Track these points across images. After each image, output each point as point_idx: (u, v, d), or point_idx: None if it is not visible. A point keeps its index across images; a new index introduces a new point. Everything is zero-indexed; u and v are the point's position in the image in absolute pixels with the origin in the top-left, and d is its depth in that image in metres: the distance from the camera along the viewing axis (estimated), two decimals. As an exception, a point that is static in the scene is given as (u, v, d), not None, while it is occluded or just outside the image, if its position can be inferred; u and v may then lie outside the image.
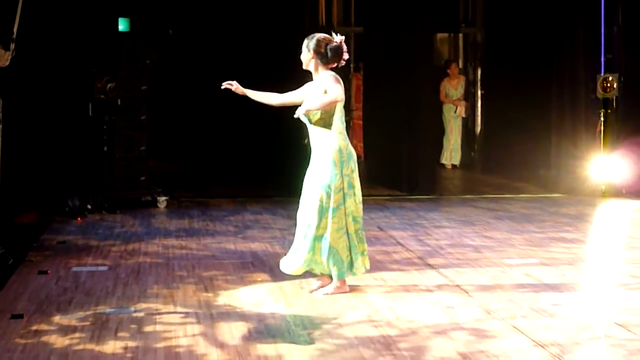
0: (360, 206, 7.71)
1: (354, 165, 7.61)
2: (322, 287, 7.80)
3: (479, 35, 17.93)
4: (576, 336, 6.46)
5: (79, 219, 11.52)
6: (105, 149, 12.37)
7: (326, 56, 7.59)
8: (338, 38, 7.65)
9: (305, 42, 7.68)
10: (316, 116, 7.53)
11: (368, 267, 7.84)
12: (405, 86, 13.80)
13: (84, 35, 12.40)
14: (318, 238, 7.60)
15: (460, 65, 18.19)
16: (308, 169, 7.74)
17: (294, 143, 14.12)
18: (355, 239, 7.65)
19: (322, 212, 7.55)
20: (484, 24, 17.50)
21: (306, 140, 7.73)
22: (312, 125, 7.63)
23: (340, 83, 7.50)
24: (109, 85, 12.24)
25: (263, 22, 14.32)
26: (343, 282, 7.73)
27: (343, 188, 7.53)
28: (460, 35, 18.39)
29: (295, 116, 7.51)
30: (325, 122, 7.54)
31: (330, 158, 7.52)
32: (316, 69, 7.65)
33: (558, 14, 14.36)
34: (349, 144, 7.64)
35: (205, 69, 14.90)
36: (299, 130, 14.31)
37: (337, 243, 7.59)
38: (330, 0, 16.08)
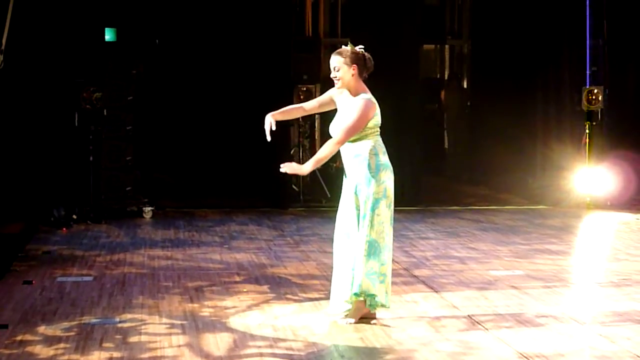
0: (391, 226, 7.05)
1: (390, 174, 7.03)
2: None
3: (465, 47, 17.98)
4: (561, 347, 6.47)
5: (64, 229, 11.49)
6: (91, 159, 12.35)
7: (366, 65, 7.02)
8: (358, 48, 7.06)
9: (338, 59, 7.00)
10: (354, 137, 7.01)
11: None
12: (390, 97, 13.76)
13: (70, 46, 12.40)
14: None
15: (446, 77, 18.26)
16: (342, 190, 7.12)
17: (280, 153, 14.14)
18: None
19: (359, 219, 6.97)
20: (470, 35, 17.53)
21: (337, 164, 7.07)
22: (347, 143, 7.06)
23: (371, 110, 7.00)
24: (95, 95, 12.25)
25: (250, 32, 14.34)
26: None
27: (378, 193, 6.93)
28: (447, 47, 18.42)
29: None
30: (361, 135, 7.03)
31: (366, 162, 6.96)
32: (355, 87, 7.04)
33: (544, 26, 14.41)
34: (385, 153, 7.06)
35: (192, 79, 14.91)
36: (285, 141, 14.40)
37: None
38: (317, 11, 16.08)
